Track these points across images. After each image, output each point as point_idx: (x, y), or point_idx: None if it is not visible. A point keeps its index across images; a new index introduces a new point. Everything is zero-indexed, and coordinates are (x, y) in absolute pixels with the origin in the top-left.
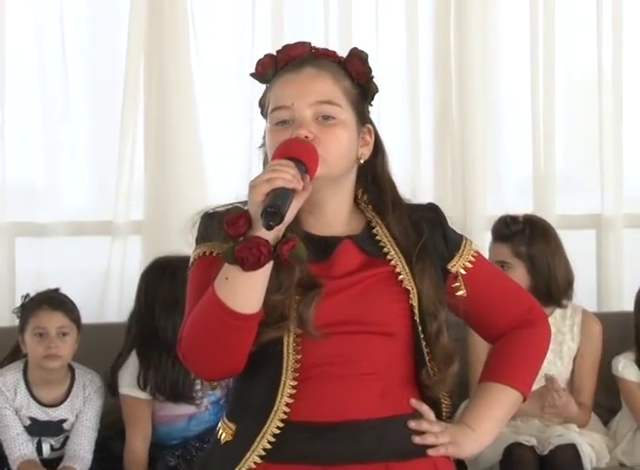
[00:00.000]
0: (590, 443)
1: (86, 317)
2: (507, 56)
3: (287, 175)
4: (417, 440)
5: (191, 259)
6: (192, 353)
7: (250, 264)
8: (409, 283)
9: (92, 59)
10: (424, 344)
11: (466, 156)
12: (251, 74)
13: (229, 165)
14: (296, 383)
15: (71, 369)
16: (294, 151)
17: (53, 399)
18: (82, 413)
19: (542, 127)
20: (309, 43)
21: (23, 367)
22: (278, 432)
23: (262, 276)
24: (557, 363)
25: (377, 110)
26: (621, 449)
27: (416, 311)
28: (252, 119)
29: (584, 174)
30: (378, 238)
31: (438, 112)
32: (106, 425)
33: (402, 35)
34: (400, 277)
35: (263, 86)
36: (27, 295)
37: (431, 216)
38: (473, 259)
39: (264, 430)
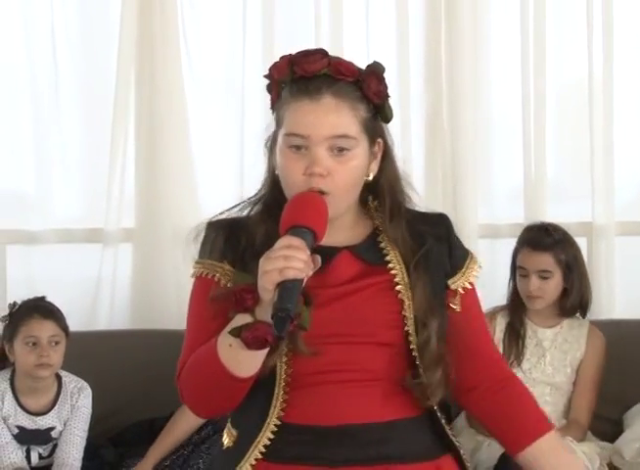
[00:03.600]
0: (583, 450)
1: (77, 325)
2: (497, 65)
3: (299, 263)
4: None
5: (192, 272)
6: (190, 398)
7: (254, 348)
8: (406, 293)
9: (83, 67)
10: (415, 354)
11: (457, 165)
12: (265, 76)
13: (220, 173)
14: (288, 389)
15: (58, 377)
16: (305, 218)
17: (40, 408)
18: (70, 421)
19: (533, 136)
20: (326, 55)
21: (10, 376)
22: (273, 436)
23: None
24: (560, 372)
25: None
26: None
27: (408, 323)
28: (243, 128)
29: (575, 182)
30: (382, 245)
31: (429, 121)
32: (98, 433)
33: (393, 45)
34: (398, 287)
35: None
36: (15, 303)
37: (437, 231)
38: (469, 287)
39: (262, 433)
